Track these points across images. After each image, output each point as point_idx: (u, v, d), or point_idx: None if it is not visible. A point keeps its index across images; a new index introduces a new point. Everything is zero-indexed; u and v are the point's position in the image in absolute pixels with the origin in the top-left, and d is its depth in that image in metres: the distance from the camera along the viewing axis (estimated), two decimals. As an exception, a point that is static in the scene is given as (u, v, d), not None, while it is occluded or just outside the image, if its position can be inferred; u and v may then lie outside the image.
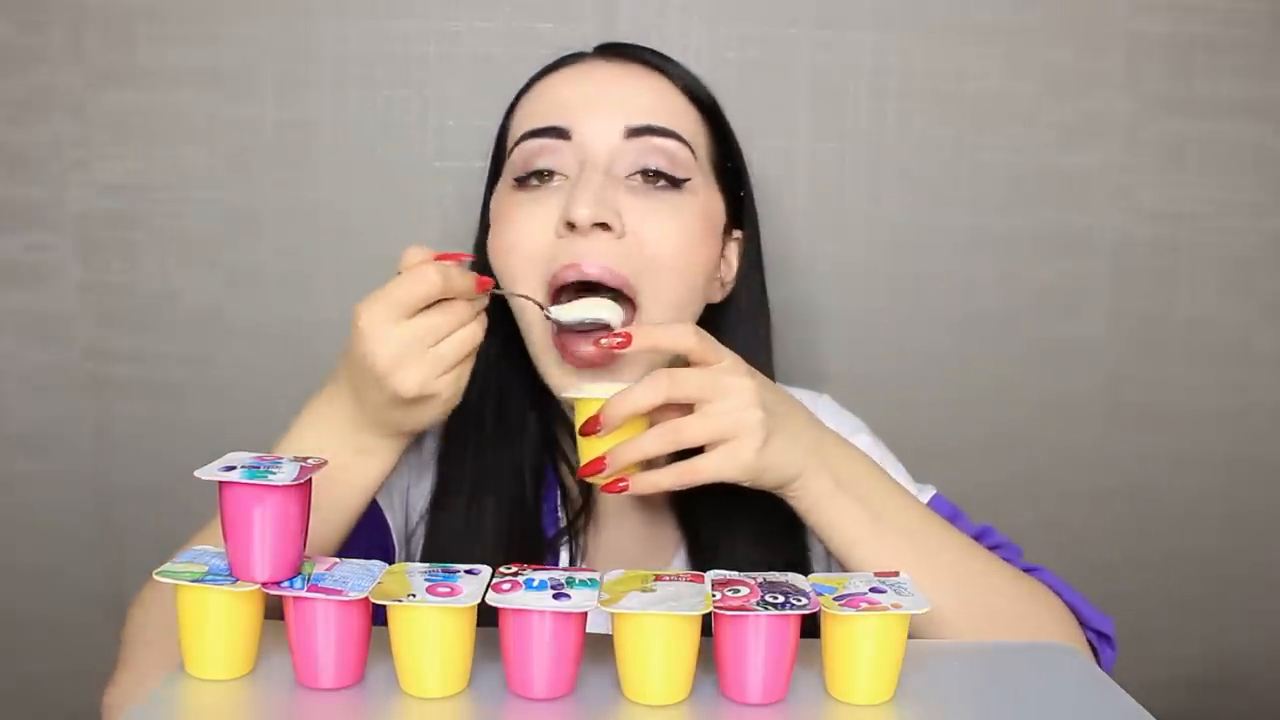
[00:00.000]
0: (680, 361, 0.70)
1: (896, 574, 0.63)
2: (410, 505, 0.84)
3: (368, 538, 0.80)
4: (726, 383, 0.67)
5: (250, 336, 1.10)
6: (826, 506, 0.70)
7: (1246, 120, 1.10)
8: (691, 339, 0.68)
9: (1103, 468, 1.15)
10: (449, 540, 0.80)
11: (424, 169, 1.08)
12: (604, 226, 0.73)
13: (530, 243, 0.75)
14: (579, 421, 0.69)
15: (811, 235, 1.09)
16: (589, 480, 0.70)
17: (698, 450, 0.68)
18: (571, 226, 0.73)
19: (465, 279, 0.68)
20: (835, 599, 0.58)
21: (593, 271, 0.73)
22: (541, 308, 0.74)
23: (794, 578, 0.61)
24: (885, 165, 1.10)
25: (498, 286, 0.74)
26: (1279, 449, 1.16)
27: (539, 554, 0.80)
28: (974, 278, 1.11)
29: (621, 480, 0.68)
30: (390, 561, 0.75)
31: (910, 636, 0.69)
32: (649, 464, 0.69)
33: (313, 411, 0.72)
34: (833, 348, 1.10)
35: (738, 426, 0.66)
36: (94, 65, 1.06)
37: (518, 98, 0.84)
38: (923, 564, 0.70)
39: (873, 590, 0.59)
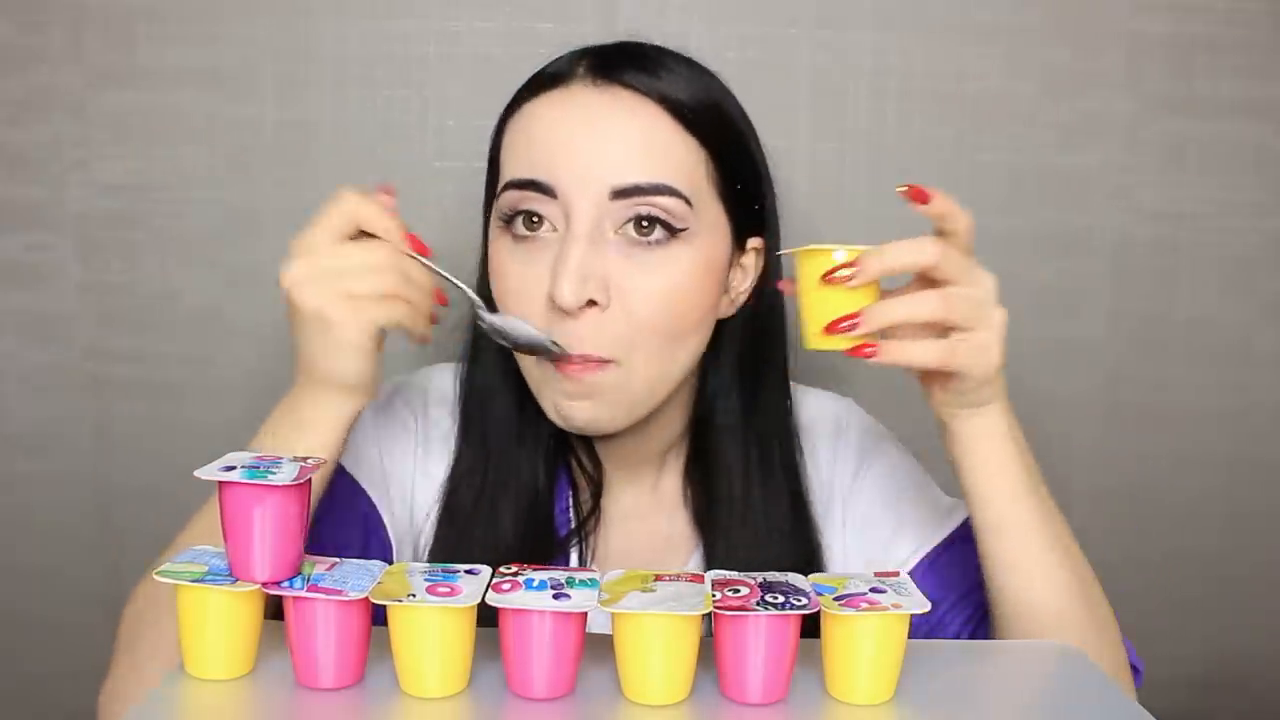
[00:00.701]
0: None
1: (897, 574, 0.63)
2: (415, 505, 0.83)
3: (363, 536, 0.79)
4: (980, 273, 0.65)
5: (250, 336, 1.10)
6: (997, 447, 0.69)
7: (1246, 120, 1.10)
8: (935, 253, 0.64)
9: (1103, 468, 1.15)
10: (460, 542, 0.79)
11: (424, 169, 1.08)
12: (590, 303, 0.71)
13: (524, 315, 0.73)
14: (816, 272, 0.66)
15: (812, 235, 1.09)
16: (829, 341, 0.66)
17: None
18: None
19: (383, 219, 0.68)
20: (835, 599, 0.58)
21: (577, 360, 0.72)
22: (477, 308, 0.72)
23: (794, 578, 0.61)
24: (885, 165, 1.10)
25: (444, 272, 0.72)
26: (1279, 449, 1.16)
27: (549, 556, 0.80)
28: (974, 278, 1.11)
29: (870, 345, 0.65)
30: (386, 560, 0.74)
31: (1015, 625, 0.70)
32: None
33: (275, 406, 0.72)
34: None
35: (990, 320, 0.65)
36: (94, 65, 1.06)
37: (507, 115, 0.79)
38: (1052, 542, 0.70)
39: (873, 590, 0.59)
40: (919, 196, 0.66)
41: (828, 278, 0.65)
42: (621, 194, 0.71)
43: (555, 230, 0.73)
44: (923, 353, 0.65)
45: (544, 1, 1.07)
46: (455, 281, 0.72)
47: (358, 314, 0.66)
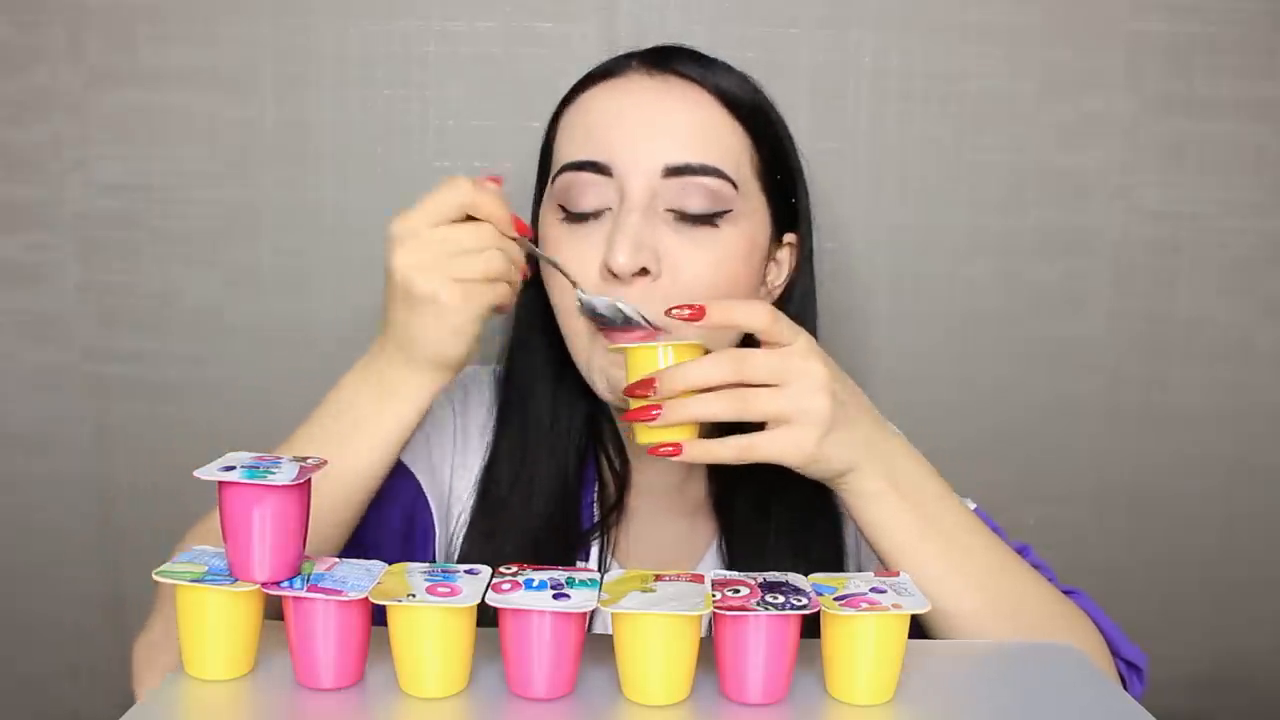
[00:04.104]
0: (750, 340, 0.69)
1: (897, 574, 0.63)
2: (451, 496, 0.84)
3: (408, 511, 0.81)
4: (798, 366, 0.65)
5: (250, 336, 1.10)
6: (875, 506, 0.69)
7: (1246, 120, 1.10)
8: (765, 317, 0.66)
9: (1103, 468, 1.15)
10: (493, 529, 0.81)
11: (424, 169, 1.08)
12: (643, 271, 0.74)
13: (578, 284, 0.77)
14: (630, 375, 0.68)
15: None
16: (638, 431, 0.67)
17: (739, 428, 0.66)
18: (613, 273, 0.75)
19: (498, 204, 0.68)
20: (835, 599, 0.58)
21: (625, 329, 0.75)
22: (574, 285, 0.74)
23: (794, 578, 0.61)
24: (885, 165, 1.10)
25: (536, 244, 0.74)
26: (1279, 449, 1.16)
27: (573, 547, 0.81)
28: (974, 278, 1.11)
29: (672, 444, 0.66)
30: (427, 532, 0.78)
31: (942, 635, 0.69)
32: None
33: (350, 372, 0.73)
34: (832, 348, 1.08)
35: (805, 412, 0.65)
36: (94, 65, 1.06)
37: (562, 106, 0.83)
38: (962, 576, 0.69)
39: (873, 590, 0.59)
40: (695, 317, 0.67)
41: (627, 392, 0.67)
42: (674, 172, 0.75)
43: (609, 209, 0.77)
44: (728, 453, 0.66)
45: (544, 1, 1.06)
46: (556, 263, 0.75)
47: (470, 299, 0.67)
